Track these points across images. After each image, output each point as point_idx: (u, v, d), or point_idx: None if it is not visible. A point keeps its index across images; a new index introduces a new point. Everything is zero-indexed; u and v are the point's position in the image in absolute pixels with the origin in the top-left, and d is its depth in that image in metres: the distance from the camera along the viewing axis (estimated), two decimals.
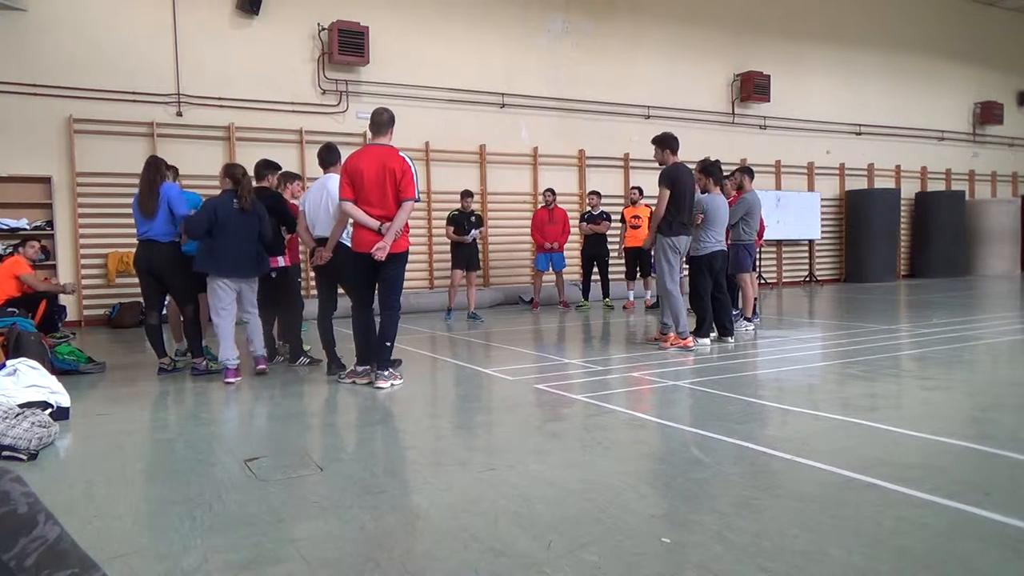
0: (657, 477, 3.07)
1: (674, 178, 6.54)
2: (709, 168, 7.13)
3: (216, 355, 5.71)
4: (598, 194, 11.07)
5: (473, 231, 9.60)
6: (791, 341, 7.19)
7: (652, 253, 7.44)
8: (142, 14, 9.82)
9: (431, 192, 11.57)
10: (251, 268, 5.58)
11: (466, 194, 9.80)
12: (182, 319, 6.03)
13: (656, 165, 6.86)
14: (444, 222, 9.94)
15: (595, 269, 10.84)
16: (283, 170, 6.68)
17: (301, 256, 6.96)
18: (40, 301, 7.20)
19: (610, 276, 10.94)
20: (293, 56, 10.78)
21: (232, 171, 5.61)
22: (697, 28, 14.22)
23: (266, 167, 6.35)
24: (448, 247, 9.88)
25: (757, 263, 8.61)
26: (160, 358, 5.89)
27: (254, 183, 6.27)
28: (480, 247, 11.77)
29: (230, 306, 5.53)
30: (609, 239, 10.94)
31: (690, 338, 6.62)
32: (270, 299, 6.38)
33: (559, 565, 2.16)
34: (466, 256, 9.55)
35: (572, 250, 11.63)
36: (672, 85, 13.88)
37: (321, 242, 5.56)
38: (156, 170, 5.69)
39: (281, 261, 6.28)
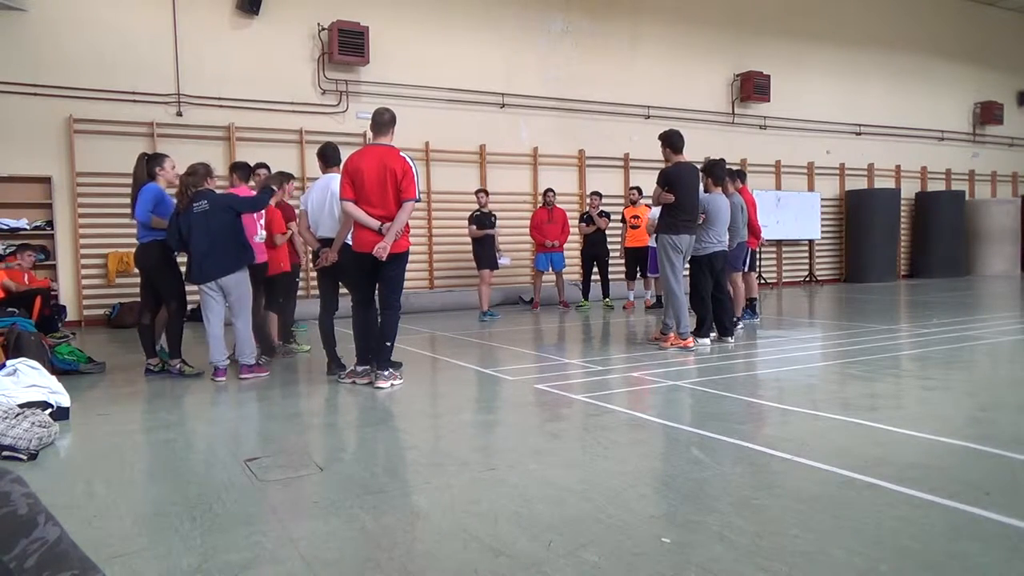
0: (657, 477, 3.07)
1: (672, 179, 6.51)
2: (710, 167, 7.12)
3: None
4: (599, 195, 11.06)
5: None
6: (791, 341, 7.19)
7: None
8: (142, 14, 9.82)
9: (431, 192, 11.57)
10: (219, 268, 5.42)
11: (482, 192, 10.13)
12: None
13: (659, 164, 6.83)
14: (463, 222, 10.28)
15: (595, 269, 10.85)
16: (279, 171, 6.70)
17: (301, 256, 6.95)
18: (33, 299, 7.18)
19: (610, 276, 10.93)
20: (293, 56, 10.78)
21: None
22: (697, 28, 14.21)
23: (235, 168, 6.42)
24: (470, 248, 10.06)
25: (752, 262, 8.58)
26: (148, 358, 5.87)
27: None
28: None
29: (215, 308, 5.53)
30: (609, 239, 10.94)
31: (690, 338, 6.61)
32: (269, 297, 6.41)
33: (559, 565, 2.16)
34: (490, 256, 9.81)
35: (572, 250, 11.62)
36: (672, 85, 13.88)
37: (325, 243, 5.55)
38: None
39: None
